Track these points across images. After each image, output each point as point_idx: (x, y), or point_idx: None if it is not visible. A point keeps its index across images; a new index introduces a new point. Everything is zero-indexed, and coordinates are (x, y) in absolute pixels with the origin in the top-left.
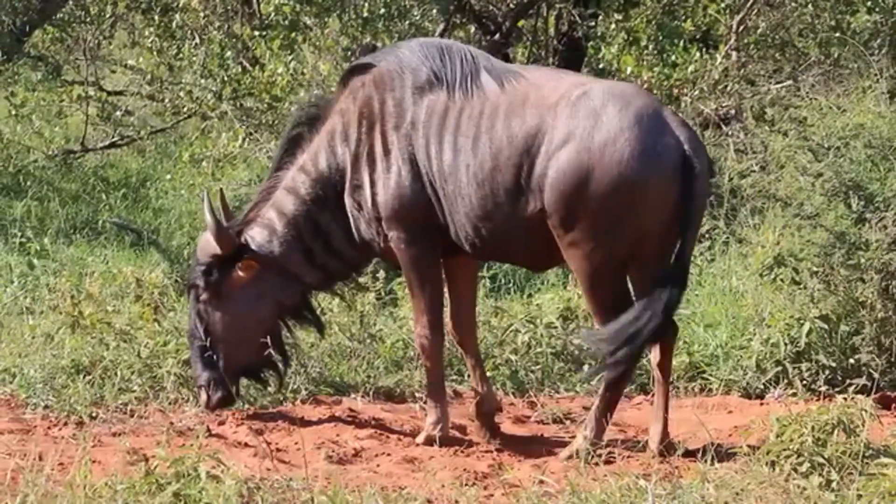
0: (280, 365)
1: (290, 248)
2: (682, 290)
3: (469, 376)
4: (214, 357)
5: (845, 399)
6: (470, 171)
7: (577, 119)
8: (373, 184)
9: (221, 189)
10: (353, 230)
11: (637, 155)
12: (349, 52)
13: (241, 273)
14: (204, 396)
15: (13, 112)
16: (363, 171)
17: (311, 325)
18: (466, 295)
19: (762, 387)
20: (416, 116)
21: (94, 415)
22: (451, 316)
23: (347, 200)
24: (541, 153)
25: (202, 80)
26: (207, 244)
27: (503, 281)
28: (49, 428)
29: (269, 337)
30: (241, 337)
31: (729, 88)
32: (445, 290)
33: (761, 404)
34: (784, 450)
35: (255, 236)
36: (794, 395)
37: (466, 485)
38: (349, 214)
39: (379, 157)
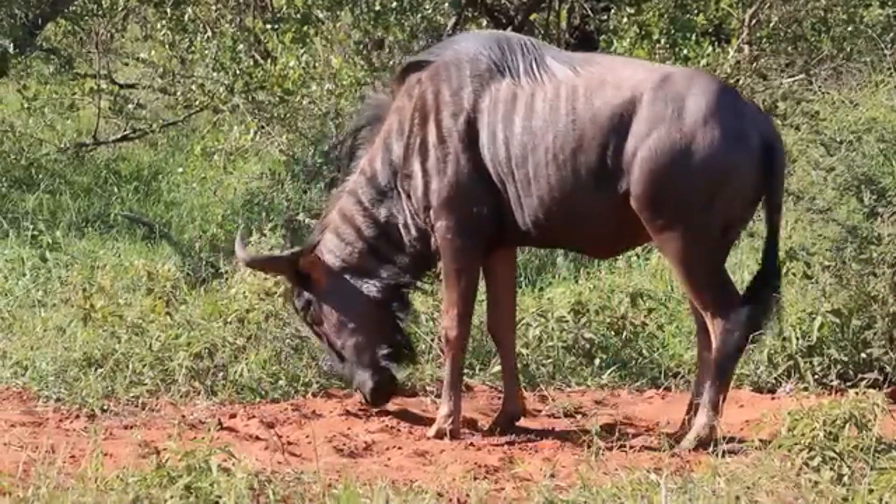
0: (405, 345)
1: (355, 247)
2: (779, 276)
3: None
4: (351, 361)
5: (857, 393)
6: (549, 154)
7: (663, 102)
8: (425, 173)
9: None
10: (410, 223)
11: (727, 136)
12: (361, 46)
13: (312, 274)
14: (370, 396)
15: (25, 105)
16: (414, 161)
17: (406, 314)
18: (505, 294)
19: (774, 381)
20: (478, 104)
21: (105, 408)
22: (489, 313)
23: (400, 192)
24: (629, 134)
25: (214, 74)
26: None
27: None
28: (61, 420)
29: (380, 321)
30: (359, 329)
31: (741, 82)
32: (483, 287)
33: (773, 398)
34: (795, 444)
35: (326, 242)
36: (806, 389)
37: (477, 478)
38: (404, 207)
39: (433, 146)
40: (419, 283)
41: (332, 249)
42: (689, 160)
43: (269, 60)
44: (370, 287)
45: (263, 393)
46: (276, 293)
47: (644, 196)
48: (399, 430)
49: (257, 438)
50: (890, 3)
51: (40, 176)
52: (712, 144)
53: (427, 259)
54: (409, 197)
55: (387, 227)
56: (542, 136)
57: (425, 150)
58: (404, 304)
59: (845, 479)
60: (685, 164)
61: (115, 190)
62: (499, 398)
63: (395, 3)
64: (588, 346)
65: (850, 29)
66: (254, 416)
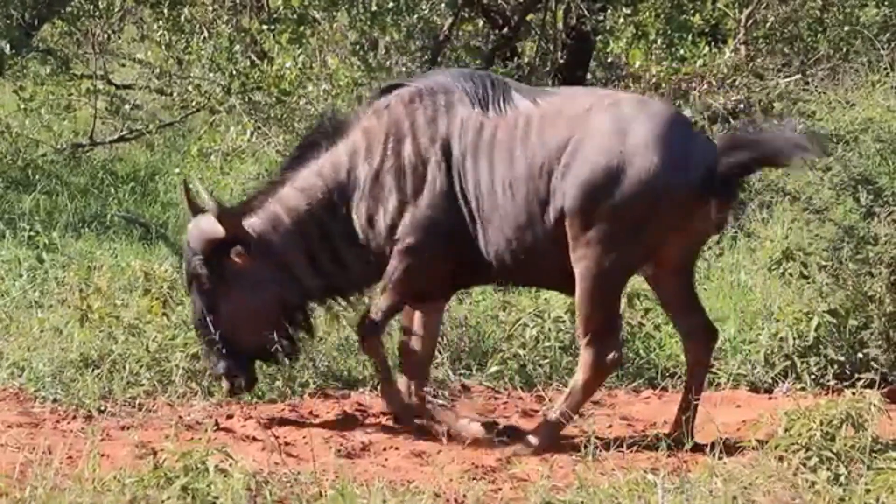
0: (289, 348)
1: (293, 246)
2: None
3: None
4: (227, 344)
5: (854, 393)
6: (506, 183)
7: (608, 124)
8: (400, 197)
9: (185, 181)
10: (362, 249)
11: (666, 162)
12: (358, 47)
13: (236, 259)
14: (227, 385)
15: (22, 106)
16: (386, 185)
17: (303, 330)
18: (429, 344)
19: (770, 381)
20: (451, 132)
21: (102, 408)
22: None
23: (359, 219)
24: (571, 156)
25: (210, 74)
26: (203, 231)
27: None
28: (58, 421)
29: (276, 322)
30: (250, 320)
31: (737, 82)
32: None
33: (769, 398)
34: (792, 444)
35: (256, 226)
36: (803, 389)
37: (474, 479)
38: (360, 232)
39: (410, 172)
40: (334, 304)
41: (263, 234)
42: (625, 181)
43: (265, 61)
44: (286, 288)
45: (260, 394)
46: None
47: (575, 210)
48: (396, 431)
49: (254, 439)
50: (886, 4)
51: (37, 177)
52: (650, 168)
53: (354, 284)
54: (369, 221)
55: (335, 242)
56: (502, 166)
57: (401, 175)
58: (307, 319)
59: (842, 479)
60: (620, 184)
61: (112, 191)
62: (496, 398)
63: (391, 4)
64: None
65: (846, 29)
66: (251, 417)
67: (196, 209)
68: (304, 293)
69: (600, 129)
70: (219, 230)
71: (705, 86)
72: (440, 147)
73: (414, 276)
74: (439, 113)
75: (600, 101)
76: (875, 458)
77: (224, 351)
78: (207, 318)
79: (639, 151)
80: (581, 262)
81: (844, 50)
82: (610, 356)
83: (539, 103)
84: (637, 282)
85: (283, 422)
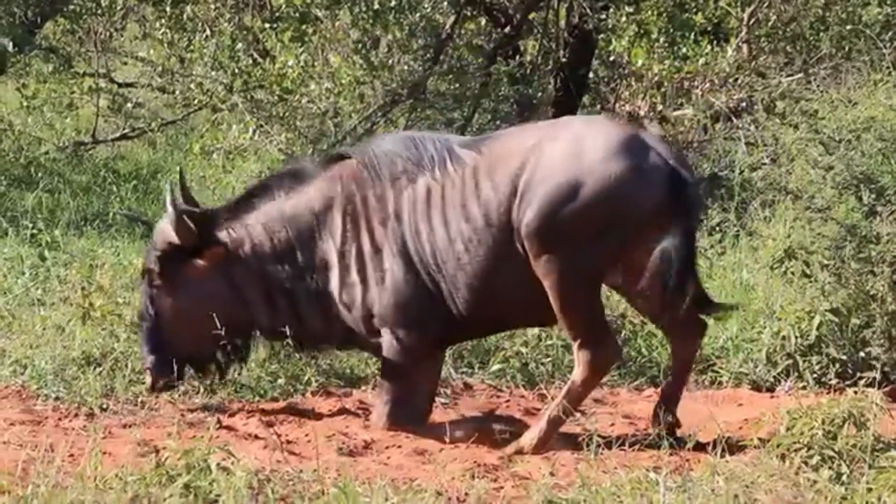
0: (224, 363)
1: (253, 279)
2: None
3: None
4: (161, 342)
5: (856, 392)
6: (465, 238)
7: (560, 149)
8: (364, 283)
9: (182, 170)
10: (332, 316)
11: (626, 169)
12: (360, 45)
13: (202, 262)
14: (150, 379)
15: (24, 104)
16: (352, 270)
17: (238, 355)
18: None
19: (772, 380)
20: (401, 206)
21: (104, 406)
22: None
23: (334, 294)
24: (527, 185)
25: (213, 73)
26: (165, 232)
27: None
28: (60, 419)
29: (214, 338)
30: (189, 327)
31: (740, 81)
32: None
33: (771, 397)
34: (794, 443)
35: (233, 242)
36: (805, 388)
37: (476, 477)
38: (335, 303)
39: (369, 257)
40: (271, 340)
41: (240, 254)
42: (583, 194)
43: (267, 59)
44: (234, 312)
45: (262, 392)
46: None
47: (534, 229)
48: (398, 430)
49: (256, 437)
50: (888, 2)
51: (39, 174)
52: (608, 179)
53: (310, 339)
54: (348, 306)
55: (288, 291)
56: (456, 223)
57: (362, 261)
58: (246, 346)
59: (844, 478)
60: (579, 197)
61: (114, 189)
62: (498, 396)
63: (393, 2)
64: None
65: (848, 28)
66: (253, 415)
67: (182, 203)
68: (253, 324)
69: (553, 155)
70: (176, 236)
71: (707, 84)
72: (392, 228)
73: (406, 356)
74: (386, 191)
75: (548, 132)
76: (877, 456)
77: (157, 347)
78: (148, 311)
79: (595, 167)
80: (549, 276)
81: (847, 49)
82: (605, 353)
83: (484, 151)
84: None
85: (286, 420)
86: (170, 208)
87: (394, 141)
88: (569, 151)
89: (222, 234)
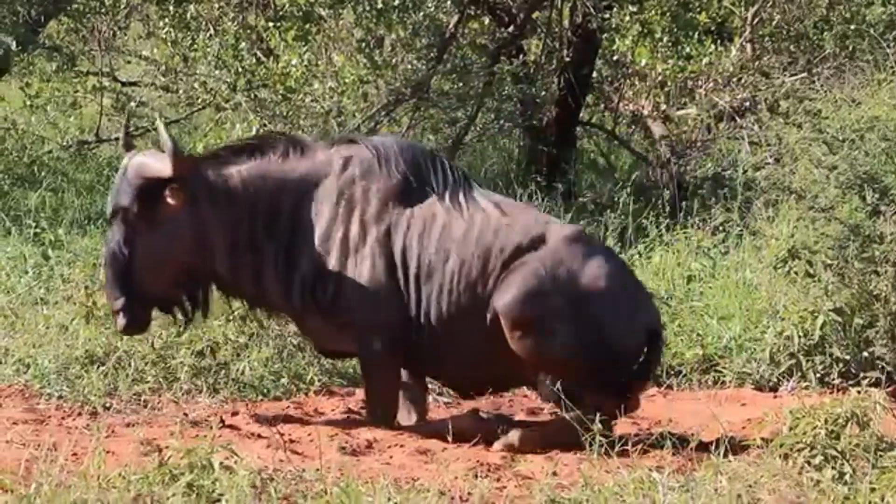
0: (190, 308)
1: (223, 226)
2: None
3: None
4: (132, 282)
5: (859, 392)
6: (453, 276)
7: (563, 252)
8: (341, 269)
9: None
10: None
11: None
12: (363, 44)
13: (170, 201)
14: (122, 321)
15: (28, 103)
16: (332, 253)
17: (197, 306)
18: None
19: (776, 379)
20: (400, 214)
21: (107, 405)
22: None
23: (305, 268)
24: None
25: (216, 72)
26: (146, 167)
27: None
28: (63, 418)
29: (179, 282)
30: (158, 268)
31: (743, 81)
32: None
33: (774, 397)
34: (797, 443)
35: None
36: (808, 387)
37: (479, 476)
38: (304, 276)
39: (353, 245)
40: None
41: (218, 198)
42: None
43: (271, 58)
44: (196, 258)
45: (266, 391)
46: None
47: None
48: (401, 429)
49: (259, 436)
50: (892, 2)
51: (43, 173)
52: (605, 290)
53: (264, 303)
54: (323, 291)
55: (256, 249)
56: (449, 258)
57: (345, 248)
58: (205, 299)
59: (847, 477)
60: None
61: None
62: (501, 396)
63: (397, 1)
64: None
65: (852, 27)
66: (256, 414)
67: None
68: (211, 274)
69: (553, 253)
70: (166, 170)
71: (711, 84)
72: (384, 230)
73: (373, 353)
74: (391, 195)
75: (560, 229)
76: (880, 456)
77: (128, 288)
78: (122, 251)
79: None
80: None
81: (850, 48)
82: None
83: (502, 207)
84: (640, 280)
85: (288, 419)
86: (166, 138)
87: (416, 151)
88: (577, 263)
89: (206, 174)
